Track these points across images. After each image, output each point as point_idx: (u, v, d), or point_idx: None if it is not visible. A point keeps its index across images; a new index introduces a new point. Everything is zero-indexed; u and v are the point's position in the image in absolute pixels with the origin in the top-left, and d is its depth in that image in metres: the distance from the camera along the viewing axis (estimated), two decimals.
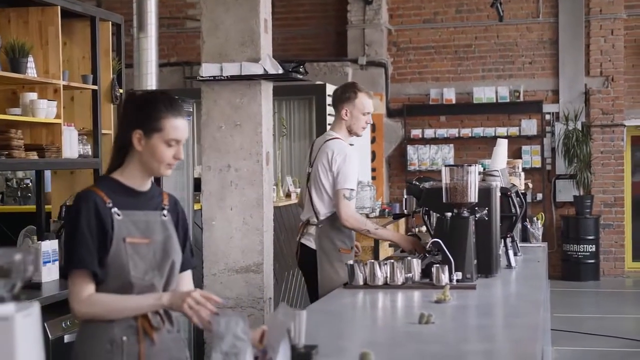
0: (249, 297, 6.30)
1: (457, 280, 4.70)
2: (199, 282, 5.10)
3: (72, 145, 6.01)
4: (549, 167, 14.27)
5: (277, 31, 6.62)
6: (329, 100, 10.63)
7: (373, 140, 13.54)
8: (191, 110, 7.75)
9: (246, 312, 5.92)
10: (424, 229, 12.99)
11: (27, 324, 1.90)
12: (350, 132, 5.77)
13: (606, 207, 14.10)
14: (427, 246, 4.99)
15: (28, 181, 9.64)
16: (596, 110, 14.10)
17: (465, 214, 4.87)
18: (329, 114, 10.68)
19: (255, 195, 6.29)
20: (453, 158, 14.30)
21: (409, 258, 4.87)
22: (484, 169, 5.86)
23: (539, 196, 14.00)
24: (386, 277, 4.70)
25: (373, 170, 13.76)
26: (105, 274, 3.09)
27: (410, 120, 14.54)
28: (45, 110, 5.74)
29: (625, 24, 14.14)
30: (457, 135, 14.34)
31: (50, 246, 5.44)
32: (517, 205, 5.59)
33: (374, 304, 4.45)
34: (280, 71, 6.26)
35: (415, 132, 14.46)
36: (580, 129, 13.88)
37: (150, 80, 11.43)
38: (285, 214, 8.21)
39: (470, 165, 4.88)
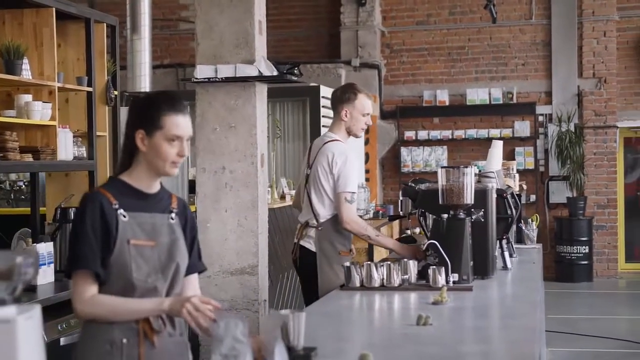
0: (243, 299, 6.29)
1: (454, 282, 4.70)
2: None
3: (67, 148, 5.99)
4: (542, 169, 14.29)
5: (270, 33, 6.62)
6: (323, 102, 10.63)
7: (366, 142, 13.55)
8: None
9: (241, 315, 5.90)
10: (417, 230, 13.04)
11: (28, 326, 1.90)
12: (350, 133, 5.76)
13: (599, 208, 14.13)
14: (423, 247, 4.99)
15: (21, 183, 9.62)
16: (589, 112, 14.12)
17: (462, 215, 4.87)
18: (323, 116, 10.67)
19: (250, 197, 6.29)
20: (446, 160, 14.31)
21: (406, 260, 4.87)
22: (480, 171, 5.85)
23: (532, 198, 14.02)
24: (383, 278, 4.70)
25: (367, 172, 13.76)
26: (107, 275, 3.09)
27: (403, 122, 14.55)
28: (40, 112, 5.72)
29: (617, 25, 14.17)
30: (450, 136, 14.36)
31: (45, 249, 5.42)
32: (512, 207, 5.59)
33: (371, 306, 4.45)
34: (275, 73, 6.25)
35: (409, 134, 14.47)
36: (573, 131, 13.90)
37: (144, 82, 11.44)
38: (280, 215, 8.20)
39: (467, 167, 4.88)
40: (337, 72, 14.05)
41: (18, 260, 1.89)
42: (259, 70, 6.19)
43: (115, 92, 6.70)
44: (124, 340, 3.10)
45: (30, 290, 5.13)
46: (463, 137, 14.31)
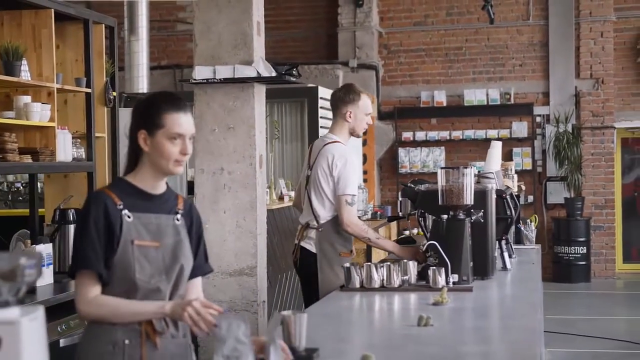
0: (242, 301, 6.29)
1: (454, 283, 4.70)
2: None
3: (66, 149, 5.99)
4: (539, 169, 14.30)
5: (268, 34, 6.62)
6: (321, 102, 10.62)
7: (364, 143, 13.55)
8: None
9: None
10: (415, 231, 13.03)
11: (32, 328, 1.89)
12: (352, 133, 5.74)
13: (597, 209, 14.14)
14: (423, 248, 4.99)
15: (19, 184, 9.62)
16: (586, 113, 14.13)
17: (461, 216, 4.87)
18: (321, 117, 10.66)
19: (249, 198, 6.29)
20: (444, 160, 14.31)
21: (405, 261, 4.87)
22: (479, 172, 5.85)
23: (530, 198, 14.03)
24: (383, 279, 4.70)
25: (364, 172, 13.76)
26: (110, 275, 3.09)
27: (401, 123, 14.55)
28: (39, 114, 5.71)
29: (614, 26, 14.19)
30: (448, 137, 14.36)
31: (44, 250, 5.41)
32: (512, 208, 5.59)
33: (371, 307, 4.45)
34: (274, 74, 6.25)
35: (407, 135, 14.47)
36: (570, 131, 13.91)
37: (142, 83, 11.46)
38: (279, 216, 8.20)
39: (466, 168, 4.89)
40: (334, 73, 14.05)
41: (22, 262, 1.88)
42: (258, 71, 6.19)
43: (114, 93, 6.69)
44: (126, 341, 3.09)
45: (30, 291, 5.12)
46: (461, 138, 14.31)
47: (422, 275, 4.81)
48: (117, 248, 3.07)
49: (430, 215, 5.29)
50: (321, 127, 10.57)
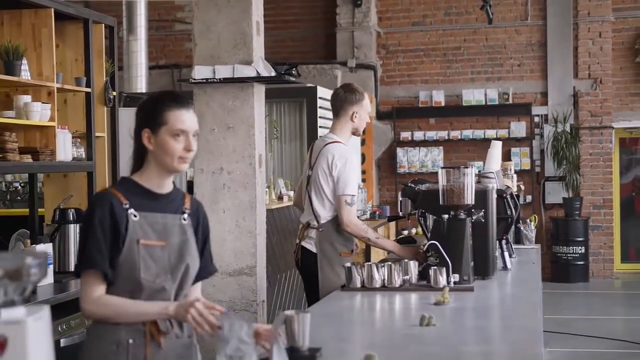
0: (242, 300, 6.29)
1: (455, 283, 4.70)
2: None
3: (65, 148, 5.98)
4: (538, 169, 14.30)
5: (266, 34, 6.62)
6: (320, 102, 10.62)
7: (363, 143, 13.54)
8: None
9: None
10: (413, 231, 13.02)
11: (38, 327, 1.88)
12: (355, 133, 5.75)
13: (595, 208, 14.15)
14: (424, 248, 4.99)
15: (17, 184, 9.60)
16: (584, 113, 14.14)
17: (462, 216, 4.87)
18: (320, 117, 10.65)
19: (248, 198, 6.29)
20: (442, 160, 14.31)
21: (406, 260, 4.87)
22: (479, 172, 5.85)
23: (528, 198, 14.03)
24: (384, 279, 4.70)
25: (363, 172, 13.76)
26: (116, 275, 3.08)
27: (399, 123, 14.55)
28: (39, 113, 5.70)
29: (612, 26, 14.19)
30: (446, 137, 14.36)
31: (44, 250, 5.40)
32: (512, 207, 5.59)
33: (373, 307, 4.45)
34: (273, 74, 6.26)
35: (405, 135, 14.47)
36: (569, 131, 13.92)
37: (140, 83, 11.46)
38: (278, 216, 8.20)
39: (467, 168, 4.89)
40: (333, 73, 14.05)
41: (27, 261, 1.87)
42: (257, 71, 6.19)
43: (114, 93, 6.68)
44: (130, 341, 3.09)
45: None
46: (459, 137, 14.31)
47: (423, 275, 4.81)
48: (123, 247, 3.07)
49: (430, 215, 5.29)
50: (320, 127, 10.56)
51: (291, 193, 9.16)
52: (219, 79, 6.20)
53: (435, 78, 14.60)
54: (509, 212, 5.58)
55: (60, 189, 6.41)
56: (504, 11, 14.34)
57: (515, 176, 7.58)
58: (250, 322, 2.82)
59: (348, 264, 4.85)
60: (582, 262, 13.81)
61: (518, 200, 6.20)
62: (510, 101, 14.27)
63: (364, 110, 5.70)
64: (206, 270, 3.34)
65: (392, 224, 12.39)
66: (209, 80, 6.22)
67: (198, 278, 3.30)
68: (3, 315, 1.86)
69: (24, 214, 7.42)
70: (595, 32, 14.14)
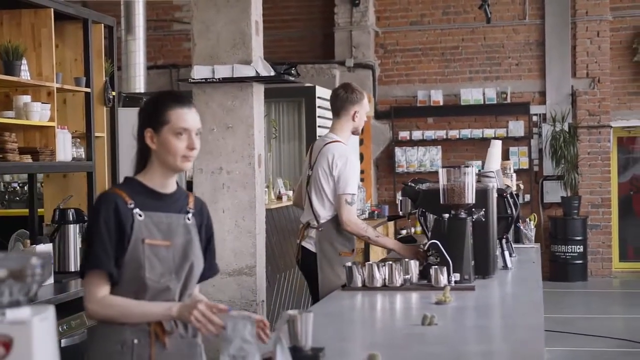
0: (241, 300, 6.29)
1: (455, 282, 4.70)
2: None
3: (65, 149, 5.97)
4: (536, 169, 14.30)
5: (264, 33, 6.61)
6: (318, 102, 10.62)
7: (361, 143, 13.53)
8: None
9: None
10: (412, 230, 12.99)
11: (43, 327, 1.88)
12: (355, 132, 5.77)
13: (593, 207, 14.15)
14: (425, 247, 4.99)
15: (15, 185, 9.59)
16: (583, 112, 14.15)
17: (463, 215, 4.87)
18: (319, 116, 10.65)
19: (248, 198, 6.28)
20: (441, 160, 14.31)
21: (407, 260, 4.87)
22: (479, 171, 5.86)
23: (527, 197, 14.02)
24: (385, 278, 4.70)
25: (361, 172, 13.70)
26: (120, 274, 3.08)
27: (397, 122, 14.55)
28: (39, 113, 5.69)
29: (610, 25, 14.20)
30: (444, 137, 14.35)
31: (44, 250, 5.39)
32: (512, 206, 5.59)
33: (374, 306, 4.45)
34: (272, 73, 6.25)
35: (403, 134, 14.47)
36: (567, 130, 13.92)
37: (139, 83, 11.44)
38: (277, 216, 8.19)
39: (468, 167, 4.88)
40: (331, 72, 14.05)
41: (32, 261, 1.87)
42: (257, 71, 6.18)
43: (113, 93, 6.67)
44: (135, 341, 3.09)
45: None
46: (457, 137, 14.31)
47: (424, 274, 4.81)
48: (128, 247, 3.07)
49: (431, 215, 5.29)
50: (319, 126, 10.56)
51: (290, 193, 9.16)
52: (218, 78, 6.20)
53: (433, 77, 14.60)
54: (509, 211, 5.59)
55: (60, 189, 6.40)
56: (502, 10, 14.34)
57: (514, 175, 7.59)
58: (253, 320, 2.82)
59: (349, 264, 4.85)
60: (580, 261, 13.81)
61: (518, 200, 6.20)
62: (509, 100, 14.27)
63: (364, 110, 5.73)
64: (210, 269, 3.33)
65: (391, 224, 12.39)
66: (208, 80, 6.21)
67: (202, 278, 3.29)
68: (8, 315, 1.86)
69: (22, 214, 7.41)
70: (593, 32, 14.14)
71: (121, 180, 6.40)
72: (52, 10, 5.87)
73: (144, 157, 3.19)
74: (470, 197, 4.85)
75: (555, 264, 13.82)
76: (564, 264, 13.77)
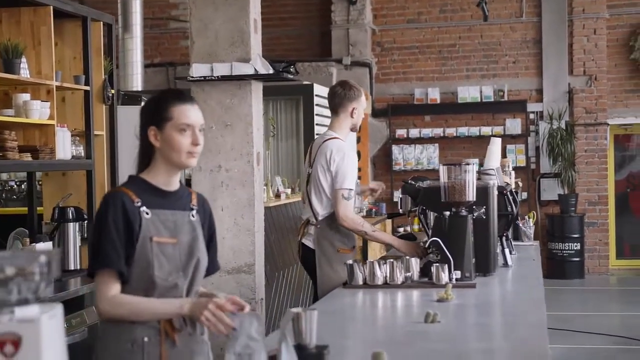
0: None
1: (456, 279, 4.70)
2: None
3: (65, 147, 5.95)
4: (533, 166, 14.31)
5: (261, 31, 6.60)
6: (316, 100, 10.61)
7: (358, 140, 13.52)
8: None
9: None
10: (409, 228, 12.98)
11: (52, 325, 1.88)
12: (353, 129, 5.79)
13: (590, 205, 14.16)
14: (426, 245, 4.98)
15: (12, 183, 9.56)
16: (580, 109, 14.16)
17: (464, 212, 4.87)
18: (317, 114, 10.65)
19: (247, 196, 6.28)
20: (438, 157, 14.31)
21: (408, 257, 4.87)
22: (479, 168, 5.86)
23: (524, 195, 14.02)
24: (386, 276, 4.69)
25: (358, 170, 13.70)
26: (129, 273, 3.08)
27: (395, 120, 14.55)
28: (39, 112, 5.68)
29: (607, 23, 14.21)
30: (442, 134, 14.36)
31: (44, 248, 5.39)
32: (512, 204, 5.59)
33: (376, 304, 4.45)
34: (271, 71, 6.24)
35: (400, 132, 14.47)
36: (564, 128, 13.93)
37: (136, 81, 11.42)
38: (276, 214, 8.19)
39: (468, 164, 4.88)
40: (328, 70, 14.05)
41: (42, 259, 1.87)
42: (255, 69, 6.17)
43: (113, 91, 6.66)
44: (145, 339, 3.08)
45: None
46: (454, 135, 14.31)
47: (425, 272, 4.81)
48: (136, 245, 3.06)
49: (431, 212, 5.29)
50: (317, 124, 10.56)
51: (289, 191, 9.16)
52: (217, 76, 6.19)
53: (430, 75, 14.60)
54: (509, 208, 5.59)
55: (59, 188, 6.38)
56: (499, 8, 14.34)
57: (513, 173, 7.59)
58: (260, 318, 2.82)
59: (350, 261, 4.85)
60: (577, 259, 13.82)
61: (517, 197, 6.20)
62: (506, 98, 14.28)
63: (362, 106, 5.76)
64: (212, 266, 3.34)
65: (388, 222, 12.40)
66: (207, 78, 6.20)
67: (205, 274, 3.30)
68: (17, 313, 1.86)
69: (19, 213, 7.39)
70: (590, 29, 14.15)
71: (120, 178, 6.44)
72: (51, 8, 5.85)
73: (147, 156, 3.19)
74: (471, 195, 4.85)
75: (552, 262, 13.83)
76: (561, 261, 13.78)
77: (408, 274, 4.74)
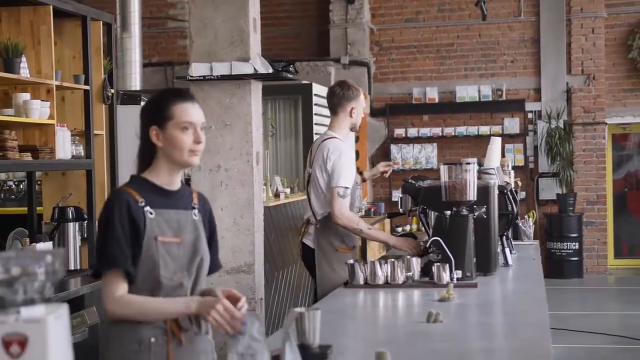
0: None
1: (457, 279, 4.70)
2: None
3: (65, 146, 5.94)
4: (531, 166, 14.32)
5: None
6: (315, 99, 10.59)
7: (356, 140, 13.50)
8: None
9: None
10: (407, 228, 12.96)
11: (58, 325, 1.87)
12: (352, 128, 5.80)
13: (589, 204, 14.17)
14: (427, 244, 4.98)
15: (11, 183, 9.55)
16: (578, 109, 14.16)
17: (464, 212, 4.86)
18: (316, 114, 10.63)
19: (246, 196, 6.27)
20: (436, 157, 14.31)
21: (409, 257, 4.87)
22: (479, 168, 5.86)
23: (522, 194, 14.02)
24: (387, 276, 4.69)
25: (357, 169, 13.70)
26: (135, 273, 3.07)
27: (393, 120, 14.55)
28: (39, 111, 5.67)
29: (605, 22, 14.21)
30: (440, 134, 14.36)
31: (44, 248, 5.38)
32: (513, 203, 5.59)
33: (377, 303, 4.45)
34: (271, 70, 6.24)
35: (399, 132, 14.47)
36: (562, 127, 13.93)
37: (134, 81, 11.41)
38: (275, 214, 8.18)
39: (469, 164, 4.88)
40: (326, 69, 14.04)
41: (48, 259, 1.87)
42: (255, 68, 6.17)
43: (112, 90, 6.65)
44: (152, 339, 3.08)
45: None
46: (453, 134, 14.31)
47: (425, 271, 4.81)
48: (142, 245, 3.06)
49: (432, 212, 5.28)
50: (316, 123, 10.54)
51: (288, 190, 9.16)
52: (216, 76, 6.18)
53: (428, 75, 14.60)
54: (509, 208, 5.59)
55: (59, 187, 6.37)
56: (497, 7, 14.34)
57: (512, 172, 7.59)
58: (260, 318, 2.81)
59: (351, 261, 4.85)
60: (576, 258, 13.82)
61: (516, 196, 6.21)
62: (504, 97, 14.28)
63: (361, 106, 5.77)
64: (214, 264, 3.33)
65: (387, 221, 12.39)
66: (206, 77, 6.20)
67: (208, 273, 3.29)
68: (23, 314, 1.85)
69: (18, 213, 7.37)
70: (588, 28, 14.16)
71: (120, 177, 6.43)
72: (51, 7, 5.84)
73: (149, 156, 3.18)
74: (471, 194, 4.85)
75: (550, 261, 13.82)
76: (559, 261, 13.78)
77: (409, 273, 4.74)
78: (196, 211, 3.25)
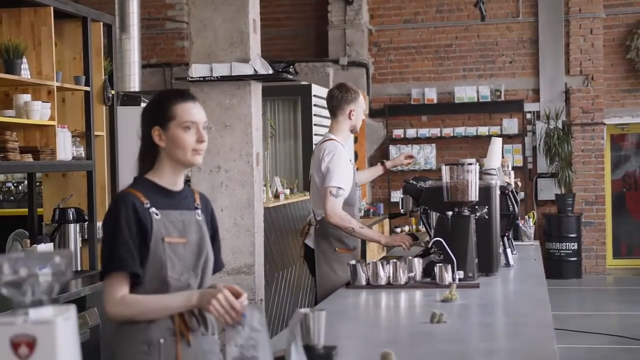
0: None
1: (459, 279, 4.70)
2: None
3: (65, 148, 5.93)
4: (530, 166, 14.32)
5: None
6: (314, 100, 10.59)
7: (355, 141, 13.50)
8: None
9: None
10: (406, 228, 12.96)
11: (66, 327, 1.87)
12: (352, 130, 5.82)
13: (587, 205, 14.17)
14: (429, 245, 4.98)
15: (10, 184, 9.55)
16: (576, 109, 14.17)
17: (466, 212, 4.86)
18: (315, 115, 10.63)
19: (246, 196, 6.27)
20: (435, 158, 14.31)
21: (410, 257, 4.87)
22: (480, 168, 5.86)
23: (521, 195, 14.02)
24: (389, 276, 4.69)
25: (356, 170, 13.70)
26: (143, 274, 3.06)
27: (392, 120, 14.55)
28: (40, 112, 5.66)
29: (604, 23, 14.22)
30: (438, 134, 14.36)
31: (45, 250, 5.37)
32: (514, 204, 5.60)
33: (379, 304, 4.44)
34: (270, 71, 6.23)
35: (397, 132, 14.47)
36: (561, 128, 13.94)
37: (133, 82, 11.38)
38: (275, 214, 8.17)
39: (471, 164, 4.88)
40: (325, 70, 14.03)
41: (56, 260, 1.87)
42: (255, 69, 6.16)
43: (113, 92, 6.64)
44: (161, 341, 3.06)
45: None
46: (451, 135, 14.32)
47: (427, 272, 4.81)
48: (150, 246, 3.05)
49: (433, 212, 5.29)
50: (315, 124, 10.54)
51: (287, 191, 9.15)
52: (216, 77, 6.18)
53: (427, 75, 14.61)
54: (511, 208, 5.59)
55: (59, 189, 6.37)
56: (496, 8, 14.35)
57: (512, 173, 7.59)
58: (261, 309, 2.81)
59: (353, 262, 4.85)
60: (575, 259, 13.83)
61: (517, 197, 6.21)
62: (503, 98, 14.29)
63: (360, 108, 5.79)
64: (217, 264, 3.33)
65: (386, 222, 12.39)
66: (206, 78, 6.19)
67: (213, 272, 3.29)
68: (31, 315, 1.85)
69: (17, 214, 7.37)
70: (587, 29, 14.16)
71: (121, 178, 6.43)
72: (51, 8, 5.83)
73: (151, 157, 3.17)
74: (473, 195, 4.85)
75: (549, 262, 13.81)
76: (558, 261, 13.78)
77: (411, 274, 4.74)
78: (199, 211, 3.25)
